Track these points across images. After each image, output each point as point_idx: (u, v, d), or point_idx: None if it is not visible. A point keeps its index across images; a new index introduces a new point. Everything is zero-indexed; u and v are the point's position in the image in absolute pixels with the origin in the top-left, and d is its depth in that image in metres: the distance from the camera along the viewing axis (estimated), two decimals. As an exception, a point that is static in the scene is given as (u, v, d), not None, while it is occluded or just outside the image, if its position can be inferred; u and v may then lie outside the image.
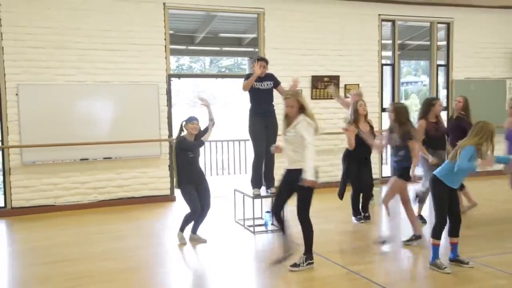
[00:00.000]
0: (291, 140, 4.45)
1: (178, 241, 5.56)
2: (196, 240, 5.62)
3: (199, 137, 5.51)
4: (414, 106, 15.03)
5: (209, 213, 5.67)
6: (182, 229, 5.61)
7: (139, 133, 7.77)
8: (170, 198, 8.17)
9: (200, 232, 5.69)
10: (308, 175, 4.23)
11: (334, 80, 9.15)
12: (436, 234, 4.45)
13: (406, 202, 5.29)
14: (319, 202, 7.31)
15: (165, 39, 8.11)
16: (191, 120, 5.49)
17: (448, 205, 4.44)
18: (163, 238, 5.99)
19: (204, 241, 5.58)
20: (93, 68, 7.70)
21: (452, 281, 4.25)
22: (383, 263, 4.86)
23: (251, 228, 6.01)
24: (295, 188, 4.40)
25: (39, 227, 5.26)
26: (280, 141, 4.79)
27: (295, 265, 4.50)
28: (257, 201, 6.28)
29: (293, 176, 4.39)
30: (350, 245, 5.42)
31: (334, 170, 8.72)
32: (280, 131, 4.94)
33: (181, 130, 5.57)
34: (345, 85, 9.25)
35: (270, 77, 6.20)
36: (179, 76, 9.14)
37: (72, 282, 4.40)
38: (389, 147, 5.50)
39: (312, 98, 9.04)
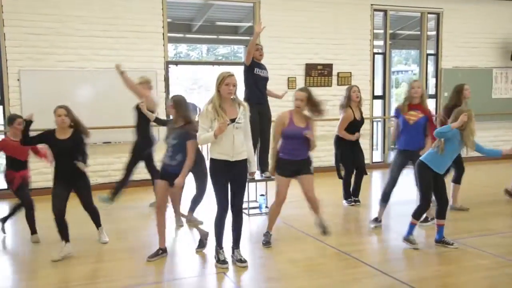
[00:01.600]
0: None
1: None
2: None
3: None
4: (403, 94, 15.07)
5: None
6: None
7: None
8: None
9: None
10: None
11: (327, 68, 9.17)
12: (416, 215, 4.62)
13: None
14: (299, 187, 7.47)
15: (163, 27, 8.07)
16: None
17: (435, 189, 4.53)
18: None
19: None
20: (94, 54, 7.67)
21: (437, 261, 4.35)
22: (372, 245, 4.94)
23: (246, 211, 6.05)
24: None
25: (40, 209, 5.24)
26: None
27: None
28: (252, 184, 6.31)
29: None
30: (341, 227, 5.49)
31: (327, 156, 8.77)
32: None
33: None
34: (338, 73, 9.26)
35: (265, 68, 6.19)
36: (176, 63, 9.09)
37: (71, 260, 4.44)
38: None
39: (306, 86, 9.03)
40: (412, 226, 4.65)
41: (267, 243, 4.88)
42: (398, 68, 15.72)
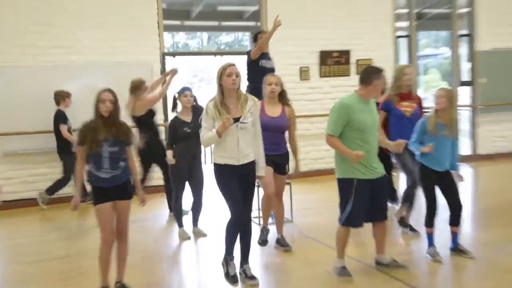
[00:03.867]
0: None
1: (179, 238, 5.61)
2: (197, 233, 5.69)
3: (198, 112, 5.38)
4: (434, 82, 14.96)
5: (209, 205, 5.71)
6: (180, 224, 5.69)
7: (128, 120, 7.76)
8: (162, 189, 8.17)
9: (201, 225, 5.77)
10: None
11: (344, 55, 9.14)
12: (427, 223, 4.61)
13: None
14: (325, 190, 7.51)
15: (157, 14, 8.10)
16: (183, 91, 5.55)
17: (444, 192, 4.57)
18: (160, 233, 6.06)
19: (205, 235, 5.65)
20: (82, 47, 7.72)
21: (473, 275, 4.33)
22: (402, 256, 4.90)
23: (256, 220, 6.05)
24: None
25: (24, 222, 5.32)
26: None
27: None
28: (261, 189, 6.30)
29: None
30: (364, 236, 5.44)
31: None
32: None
33: (175, 104, 5.68)
34: (357, 60, 9.22)
35: (270, 58, 6.20)
36: (174, 54, 9.14)
37: (65, 281, 4.48)
38: None
39: (320, 76, 9.03)
40: (429, 237, 4.64)
41: (263, 242, 4.99)
42: (426, 52, 15.57)
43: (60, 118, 7.21)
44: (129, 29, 7.92)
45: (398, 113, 5.22)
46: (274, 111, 4.90)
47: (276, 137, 4.87)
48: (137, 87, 6.32)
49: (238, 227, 4.16)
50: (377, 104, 4.89)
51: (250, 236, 4.26)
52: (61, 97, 7.28)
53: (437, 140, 4.45)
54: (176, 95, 5.62)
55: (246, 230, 4.22)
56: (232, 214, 4.12)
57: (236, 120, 4.03)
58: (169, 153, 5.47)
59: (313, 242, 5.31)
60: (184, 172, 5.49)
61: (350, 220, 4.12)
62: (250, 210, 4.26)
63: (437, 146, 4.44)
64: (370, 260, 4.51)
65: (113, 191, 3.91)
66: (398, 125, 5.19)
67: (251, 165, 4.17)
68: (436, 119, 4.46)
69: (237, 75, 4.04)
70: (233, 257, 4.25)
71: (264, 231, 5.17)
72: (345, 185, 4.11)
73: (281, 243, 5.08)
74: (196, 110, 5.46)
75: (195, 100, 5.63)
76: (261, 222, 5.82)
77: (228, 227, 4.17)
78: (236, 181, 4.09)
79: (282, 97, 4.97)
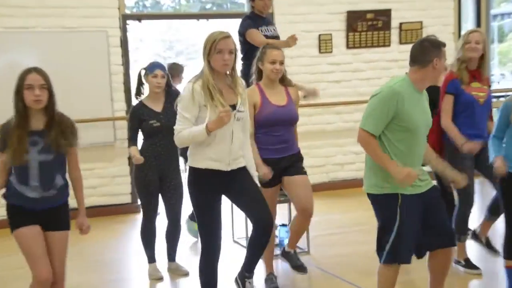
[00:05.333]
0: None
1: (148, 277, 5.64)
2: (174, 271, 5.69)
3: (172, 99, 5.28)
4: (457, 53, 14.81)
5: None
6: (150, 258, 5.67)
7: (80, 109, 7.68)
8: (132, 208, 8.25)
9: (180, 259, 5.76)
10: None
11: (382, 16, 9.13)
12: (507, 252, 4.59)
13: None
14: (353, 208, 7.49)
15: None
16: (153, 69, 5.45)
17: None
18: (123, 271, 6.10)
19: (186, 273, 5.66)
20: (5, 7, 7.68)
21: None
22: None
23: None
24: None
25: None
26: None
27: None
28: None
29: None
30: (411, 275, 5.45)
31: (356, 162, 8.74)
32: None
33: (140, 84, 5.60)
34: (400, 24, 9.22)
35: (273, 23, 6.24)
36: (139, 17, 9.10)
37: None
38: None
39: (348, 47, 9.03)
40: (510, 272, 4.60)
41: None
42: (502, 10, 15.35)
43: None
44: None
45: (469, 99, 5.15)
46: (279, 97, 4.93)
47: (287, 133, 4.90)
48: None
49: (216, 263, 4.27)
50: (434, 87, 4.94)
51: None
52: None
53: None
54: (143, 73, 5.54)
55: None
56: (204, 244, 4.24)
57: (233, 107, 4.07)
58: (133, 150, 5.46)
59: (338, 282, 5.32)
60: (154, 184, 5.49)
61: (396, 254, 4.05)
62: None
63: None
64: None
65: (41, 216, 3.89)
66: (464, 114, 5.16)
67: (243, 171, 4.24)
68: None
69: (231, 52, 4.06)
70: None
71: (272, 278, 5.17)
72: (385, 205, 4.06)
73: (294, 261, 5.07)
74: (170, 97, 5.43)
75: (168, 82, 5.59)
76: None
77: (202, 267, 4.28)
78: (221, 193, 4.20)
79: (282, 76, 5.03)
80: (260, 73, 5.00)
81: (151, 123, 5.38)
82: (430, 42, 4.10)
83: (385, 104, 3.93)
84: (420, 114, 4.04)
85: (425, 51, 4.03)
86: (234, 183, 4.16)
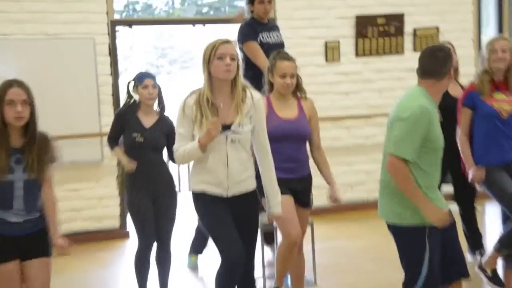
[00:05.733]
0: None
1: None
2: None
3: (165, 119, 5.44)
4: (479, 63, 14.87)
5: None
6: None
7: (64, 124, 7.78)
8: (121, 233, 8.27)
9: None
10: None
11: (394, 22, 9.17)
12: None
13: None
14: (365, 233, 7.50)
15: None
16: (142, 79, 5.42)
17: None
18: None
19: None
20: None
21: None
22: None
23: (261, 282, 6.00)
24: None
25: None
26: None
27: None
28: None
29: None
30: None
31: (368, 181, 8.76)
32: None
33: (129, 96, 5.56)
34: (415, 29, 9.25)
35: (277, 27, 6.26)
36: (129, 22, 9.14)
37: None
38: None
39: (357, 55, 9.05)
40: None
41: None
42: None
43: None
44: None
45: (489, 111, 5.16)
46: (289, 110, 4.94)
47: (295, 151, 4.90)
48: None
49: (234, 276, 4.17)
50: (449, 97, 4.96)
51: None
52: None
53: None
54: (131, 85, 5.51)
55: (247, 283, 4.33)
56: (223, 257, 4.15)
57: (225, 127, 4.07)
58: (119, 153, 5.46)
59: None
60: (148, 209, 5.44)
61: (431, 287, 4.05)
62: (252, 262, 4.28)
63: None
64: None
65: (21, 242, 3.87)
66: (488, 132, 5.17)
67: (249, 198, 4.23)
68: None
69: (233, 58, 4.08)
70: None
71: None
72: (413, 236, 4.04)
73: None
74: (164, 118, 5.50)
75: (160, 99, 5.54)
76: (268, 285, 5.83)
77: (219, 277, 4.19)
78: (226, 208, 4.17)
79: (296, 88, 5.03)
80: (271, 85, 5.01)
81: (134, 137, 5.34)
82: (443, 52, 4.10)
83: (419, 125, 3.90)
84: (440, 130, 4.06)
85: (442, 63, 4.04)
86: (236, 210, 4.18)
